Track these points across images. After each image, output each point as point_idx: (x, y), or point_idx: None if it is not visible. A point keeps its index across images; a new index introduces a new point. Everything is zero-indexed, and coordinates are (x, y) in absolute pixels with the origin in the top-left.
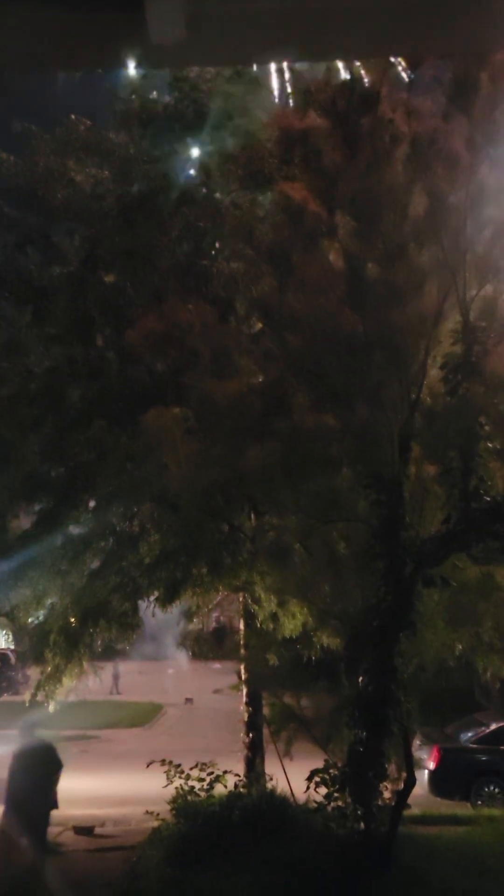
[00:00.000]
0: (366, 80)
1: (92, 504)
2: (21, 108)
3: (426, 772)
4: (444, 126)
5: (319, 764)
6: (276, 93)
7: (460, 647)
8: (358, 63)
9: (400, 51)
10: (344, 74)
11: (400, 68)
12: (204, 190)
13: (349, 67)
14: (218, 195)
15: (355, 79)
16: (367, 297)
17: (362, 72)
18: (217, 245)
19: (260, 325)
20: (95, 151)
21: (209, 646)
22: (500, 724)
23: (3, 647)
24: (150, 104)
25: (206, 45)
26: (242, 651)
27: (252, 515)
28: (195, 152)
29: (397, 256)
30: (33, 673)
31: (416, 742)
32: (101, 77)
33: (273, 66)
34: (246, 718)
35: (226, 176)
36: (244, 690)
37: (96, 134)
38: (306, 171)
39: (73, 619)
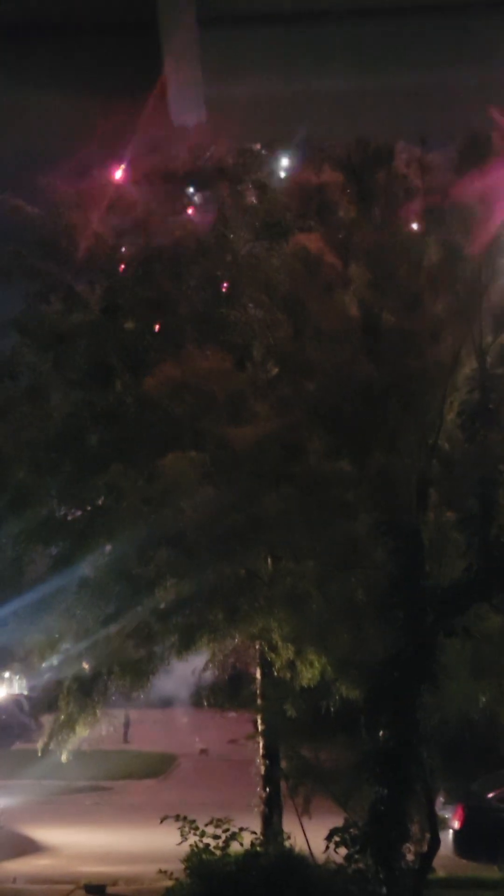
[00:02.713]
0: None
1: (108, 548)
2: (45, 160)
3: (451, 832)
4: (457, 180)
5: (339, 821)
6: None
7: (484, 698)
8: None
9: (404, 132)
10: None
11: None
12: (222, 241)
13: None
14: (236, 246)
15: (369, 135)
16: (383, 345)
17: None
18: (234, 294)
19: (276, 372)
20: (117, 205)
21: (224, 695)
22: None
23: (17, 692)
24: (170, 161)
25: (223, 125)
26: (259, 700)
27: (269, 561)
28: (213, 205)
29: (413, 305)
30: (47, 720)
31: (440, 800)
32: (123, 132)
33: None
34: (263, 772)
35: (243, 227)
36: (261, 742)
37: (118, 188)
38: (322, 224)
39: (86, 666)
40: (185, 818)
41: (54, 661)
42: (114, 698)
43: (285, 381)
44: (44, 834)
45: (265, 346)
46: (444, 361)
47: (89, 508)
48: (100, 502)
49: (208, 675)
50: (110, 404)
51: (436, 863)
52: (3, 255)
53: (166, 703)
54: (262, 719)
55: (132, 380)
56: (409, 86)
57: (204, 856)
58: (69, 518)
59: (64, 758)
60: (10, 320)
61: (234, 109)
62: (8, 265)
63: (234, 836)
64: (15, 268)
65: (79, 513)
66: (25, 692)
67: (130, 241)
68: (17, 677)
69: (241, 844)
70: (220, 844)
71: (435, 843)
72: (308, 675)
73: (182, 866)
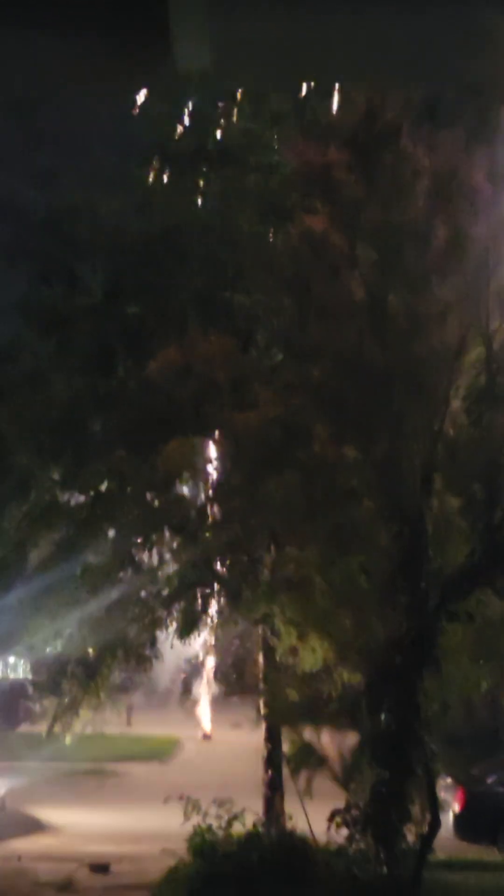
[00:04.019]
0: (387, 112)
1: (111, 533)
2: (46, 142)
3: (451, 814)
4: (466, 159)
5: (340, 803)
6: (296, 127)
7: (485, 683)
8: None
9: (417, 78)
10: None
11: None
12: (225, 222)
13: (371, 100)
14: (240, 228)
15: (376, 112)
16: (389, 328)
17: (384, 104)
18: (238, 277)
19: (280, 356)
20: (119, 185)
21: (227, 679)
22: None
23: (21, 676)
24: (172, 139)
25: (227, 70)
26: (261, 685)
27: (272, 547)
28: (217, 185)
29: (419, 288)
30: (51, 704)
31: (441, 783)
32: (124, 111)
33: (294, 101)
34: (265, 755)
35: (247, 208)
36: (263, 726)
37: (120, 168)
38: (327, 204)
39: (90, 650)
40: (188, 799)
41: (58, 645)
42: (117, 682)
43: (289, 365)
44: (48, 814)
45: (269, 329)
46: (450, 345)
47: (92, 494)
48: (102, 488)
49: (211, 660)
50: (112, 389)
51: (436, 845)
52: (4, 237)
53: (169, 688)
54: (264, 703)
55: (134, 364)
56: (428, 32)
57: (206, 836)
58: (72, 503)
59: (67, 740)
60: (12, 304)
61: (240, 53)
62: (9, 247)
63: (236, 817)
64: (16, 250)
65: (82, 498)
66: (29, 676)
67: (132, 223)
68: (21, 661)
69: (244, 825)
70: (223, 825)
71: (435, 824)
72: (310, 659)
73: (185, 846)
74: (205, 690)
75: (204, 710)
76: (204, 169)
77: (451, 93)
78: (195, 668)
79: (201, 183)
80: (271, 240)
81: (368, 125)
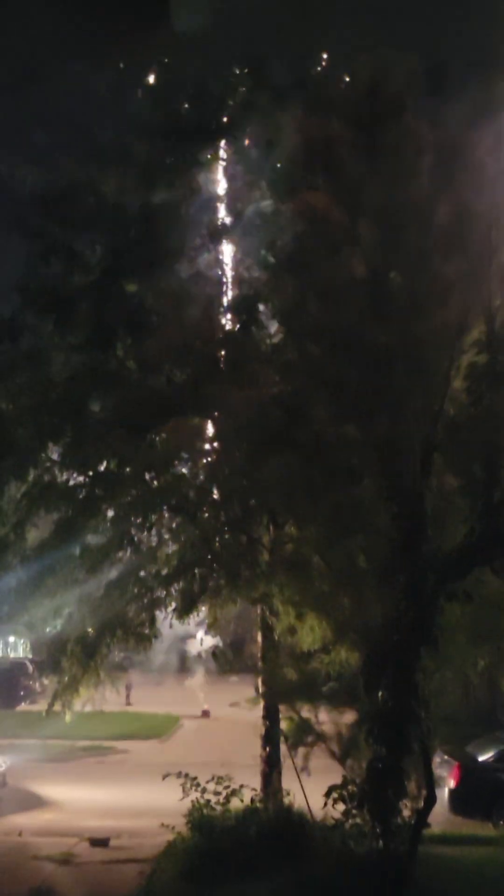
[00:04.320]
0: (391, 86)
1: (110, 513)
2: (45, 119)
3: (446, 790)
4: (470, 135)
5: (337, 779)
6: (299, 101)
7: (482, 662)
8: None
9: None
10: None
11: (426, 76)
12: (226, 199)
13: (374, 73)
14: (240, 204)
15: (380, 85)
16: (391, 306)
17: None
18: (239, 254)
19: (281, 335)
20: (119, 161)
21: (226, 658)
22: None
23: (21, 656)
24: (173, 114)
25: (225, 35)
26: (260, 664)
27: (271, 527)
28: (217, 161)
29: (421, 266)
30: (51, 683)
31: (437, 759)
32: (125, 87)
33: (297, 76)
34: (263, 732)
35: (247, 185)
36: (261, 704)
37: (120, 144)
38: (329, 180)
39: (90, 629)
40: (186, 775)
41: (58, 624)
42: (117, 660)
43: (290, 344)
44: (49, 790)
45: (270, 308)
46: (451, 324)
47: (91, 474)
48: (101, 467)
49: (210, 640)
50: (111, 368)
51: (431, 820)
52: (3, 214)
53: (168, 667)
54: (263, 682)
55: (133, 343)
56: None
57: (205, 811)
58: (71, 483)
59: (67, 719)
60: (11, 282)
61: (238, 15)
62: (8, 224)
63: (234, 793)
64: (15, 227)
65: (81, 478)
66: (30, 655)
67: (132, 199)
68: (22, 641)
69: (242, 801)
70: (221, 800)
71: (431, 799)
72: (309, 638)
73: (183, 821)
74: (204, 669)
75: (203, 689)
76: (204, 145)
77: (456, 65)
78: (194, 647)
79: (202, 159)
80: (272, 216)
81: (372, 99)
